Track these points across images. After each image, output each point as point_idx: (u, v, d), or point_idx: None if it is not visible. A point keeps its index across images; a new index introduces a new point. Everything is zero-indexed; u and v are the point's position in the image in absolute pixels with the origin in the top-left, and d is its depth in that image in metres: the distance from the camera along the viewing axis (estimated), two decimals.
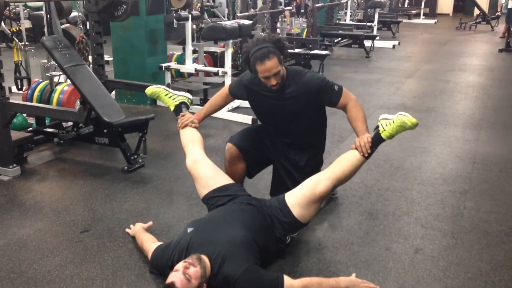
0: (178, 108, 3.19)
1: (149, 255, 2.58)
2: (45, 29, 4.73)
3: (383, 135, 2.67)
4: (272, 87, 2.77)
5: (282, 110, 2.91)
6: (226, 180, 2.82)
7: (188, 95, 3.28)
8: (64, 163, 4.14)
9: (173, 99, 3.21)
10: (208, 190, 2.75)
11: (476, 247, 2.88)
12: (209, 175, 2.79)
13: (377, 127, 2.72)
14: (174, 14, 5.94)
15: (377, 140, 2.70)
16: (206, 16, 7.32)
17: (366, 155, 2.67)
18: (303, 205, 2.55)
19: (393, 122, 2.65)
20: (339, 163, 2.70)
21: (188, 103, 3.26)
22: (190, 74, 6.74)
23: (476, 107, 6.25)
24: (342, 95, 2.87)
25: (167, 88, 3.28)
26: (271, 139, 3.09)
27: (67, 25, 5.93)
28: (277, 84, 2.76)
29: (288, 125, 2.98)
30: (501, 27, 14.70)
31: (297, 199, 2.57)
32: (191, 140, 2.98)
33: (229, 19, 7.26)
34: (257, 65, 2.68)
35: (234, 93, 3.10)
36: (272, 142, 3.09)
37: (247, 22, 6.29)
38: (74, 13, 6.03)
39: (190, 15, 6.00)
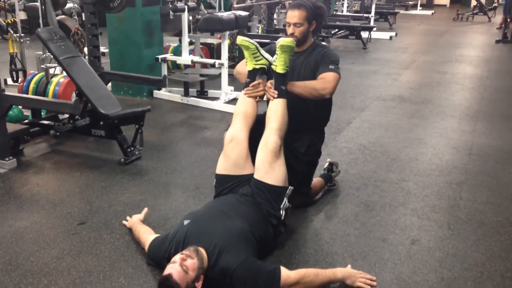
0: (254, 73, 2.95)
1: (146, 247, 2.59)
2: (40, 21, 4.68)
3: (278, 70, 2.80)
4: (289, 35, 2.96)
5: (296, 78, 2.98)
6: (249, 170, 2.78)
7: (272, 59, 2.94)
8: (61, 155, 4.13)
9: (257, 61, 2.94)
10: (226, 172, 2.78)
11: (472, 238, 2.90)
12: (235, 161, 2.77)
13: (270, 67, 2.86)
14: (170, 5, 5.90)
15: (277, 78, 2.83)
16: (202, 7, 7.27)
17: (275, 96, 2.79)
18: (269, 170, 2.65)
19: (277, 54, 2.79)
20: (269, 118, 2.80)
21: (266, 69, 2.98)
22: (186, 66, 6.71)
23: (473, 98, 6.26)
24: (326, 73, 2.90)
25: (258, 47, 2.93)
26: None
27: (63, 16, 5.87)
28: (293, 36, 2.94)
29: (295, 99, 2.94)
30: (498, 18, 14.69)
31: (261, 169, 2.67)
32: (244, 114, 2.87)
33: (219, 10, 7.20)
34: (289, 8, 3.02)
35: None
36: None
37: (243, 13, 6.26)
38: (69, 4, 5.98)
39: (186, 6, 5.97)
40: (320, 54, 3.01)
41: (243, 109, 2.90)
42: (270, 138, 2.69)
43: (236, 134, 2.79)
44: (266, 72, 2.99)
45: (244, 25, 6.43)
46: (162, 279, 2.17)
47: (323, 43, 3.16)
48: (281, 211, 2.65)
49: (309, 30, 3.00)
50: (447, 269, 2.58)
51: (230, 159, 2.78)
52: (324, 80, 2.88)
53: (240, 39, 2.95)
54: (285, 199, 2.68)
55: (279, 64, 2.79)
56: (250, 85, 2.92)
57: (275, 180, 2.64)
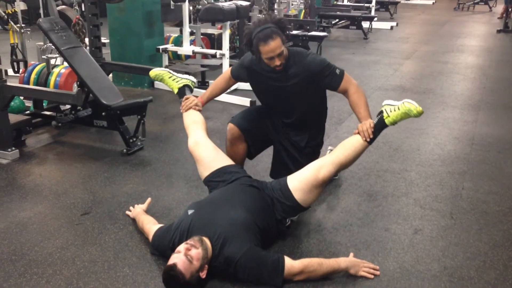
0: (182, 91, 3.21)
1: (150, 237, 2.59)
2: (41, 11, 4.67)
3: (387, 121, 2.67)
4: (276, 67, 2.77)
5: (283, 91, 2.91)
6: (227, 161, 2.83)
7: (192, 78, 3.31)
8: (63, 146, 4.14)
9: (177, 82, 3.23)
10: (209, 172, 2.76)
11: (475, 227, 2.91)
12: (210, 157, 2.80)
13: (381, 112, 2.72)
14: None
15: (380, 125, 2.69)
16: None
17: (368, 140, 2.67)
18: (306, 190, 2.56)
19: (398, 109, 2.64)
20: (343, 148, 2.69)
21: (192, 86, 3.27)
22: (187, 57, 6.70)
23: (475, 88, 6.24)
24: (343, 79, 2.87)
25: (170, 71, 3.29)
26: (271, 120, 3.09)
27: (63, 6, 5.86)
28: (281, 65, 2.76)
29: (289, 106, 2.98)
30: (499, 7, 14.62)
31: (299, 183, 2.57)
32: (193, 122, 2.99)
33: (225, 0, 7.19)
34: (260, 46, 2.68)
35: (236, 76, 3.11)
36: (272, 123, 3.09)
37: (244, 3, 6.24)
38: None
39: None
40: (310, 68, 2.82)
41: (190, 118, 3.04)
42: (327, 167, 2.57)
43: (196, 138, 2.88)
44: (192, 89, 3.26)
45: (245, 15, 6.40)
46: (166, 268, 2.18)
47: (293, 47, 3.01)
48: (288, 220, 2.69)
49: (285, 47, 2.79)
50: (450, 258, 2.59)
51: (203, 159, 2.80)
52: (356, 87, 2.89)
53: (152, 72, 3.30)
54: (298, 215, 2.73)
55: (392, 117, 2.65)
56: (181, 100, 3.13)
57: (304, 200, 2.58)
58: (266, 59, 2.75)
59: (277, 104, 3.03)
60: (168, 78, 3.26)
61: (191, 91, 3.25)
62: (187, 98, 3.11)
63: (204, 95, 3.18)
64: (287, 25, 2.83)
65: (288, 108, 2.99)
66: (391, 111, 2.67)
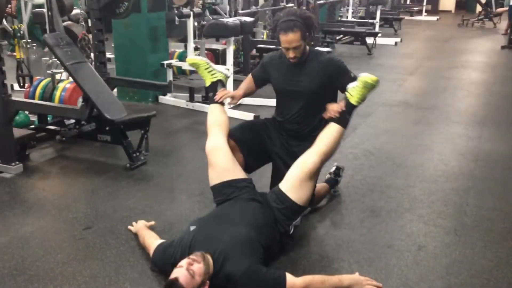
0: (214, 85, 3.17)
1: (151, 252, 2.58)
2: (47, 26, 4.70)
3: (352, 100, 2.82)
4: (290, 59, 2.91)
5: (297, 87, 2.98)
6: (240, 174, 2.82)
7: (227, 72, 3.27)
8: (67, 160, 4.14)
9: (212, 75, 3.18)
10: (220, 180, 2.76)
11: (479, 244, 2.88)
12: (225, 167, 2.79)
13: (345, 96, 2.85)
14: (176, 11, 5.92)
15: (349, 107, 2.83)
16: (207, 13, 7.30)
17: (337, 115, 2.81)
18: (297, 186, 2.63)
19: (357, 86, 2.77)
20: (322, 138, 2.80)
21: (224, 82, 3.23)
22: (192, 72, 6.73)
23: (479, 104, 6.23)
24: None
25: (209, 62, 3.22)
26: (270, 134, 3.10)
27: (69, 22, 5.90)
28: (295, 58, 2.90)
29: (299, 106, 3.00)
30: (503, 24, 14.66)
31: (290, 182, 2.65)
32: (217, 123, 2.98)
33: (230, 16, 7.24)
34: (280, 34, 2.83)
35: (255, 76, 3.20)
36: (270, 137, 3.10)
37: (248, 19, 6.28)
38: (76, 11, 6.00)
39: (191, 12, 5.99)
40: (327, 65, 2.96)
41: (215, 118, 3.02)
42: (312, 158, 2.69)
43: (215, 142, 2.86)
44: (224, 84, 3.20)
45: (249, 31, 6.44)
46: (168, 282, 2.17)
47: (320, 49, 3.16)
48: (291, 227, 2.68)
49: (306, 44, 2.92)
50: (454, 276, 2.56)
51: (218, 166, 2.79)
52: None
53: (190, 59, 3.23)
54: (299, 218, 2.72)
55: (355, 96, 2.80)
56: (218, 91, 3.10)
57: (298, 198, 2.63)
58: (283, 48, 2.90)
59: (288, 104, 3.06)
60: (204, 69, 3.18)
61: (223, 86, 3.20)
62: (223, 90, 3.10)
63: (241, 89, 3.18)
64: (314, 22, 2.94)
65: (298, 108, 3.01)
66: (352, 91, 2.80)
